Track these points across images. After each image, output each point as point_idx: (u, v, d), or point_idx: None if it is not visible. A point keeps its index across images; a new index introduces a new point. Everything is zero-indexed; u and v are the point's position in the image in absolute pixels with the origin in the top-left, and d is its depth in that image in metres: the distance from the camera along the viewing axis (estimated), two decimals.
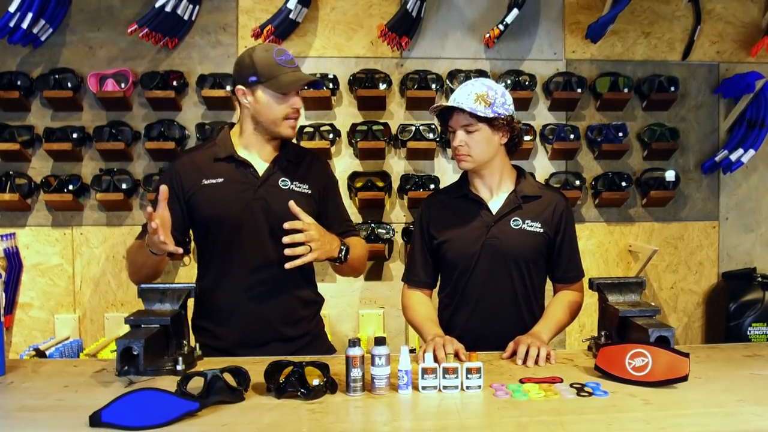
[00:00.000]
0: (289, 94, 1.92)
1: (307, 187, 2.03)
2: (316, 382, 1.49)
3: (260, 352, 1.88)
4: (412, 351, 2.05)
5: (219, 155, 1.98)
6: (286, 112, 1.93)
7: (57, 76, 3.09)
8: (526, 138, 3.21)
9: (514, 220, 2.01)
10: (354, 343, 1.52)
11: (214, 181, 1.95)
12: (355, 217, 3.25)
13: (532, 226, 2.01)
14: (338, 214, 2.13)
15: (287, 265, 1.81)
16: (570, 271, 2.09)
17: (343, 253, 1.94)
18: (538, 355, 1.75)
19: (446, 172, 3.29)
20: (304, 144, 3.11)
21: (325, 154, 3.17)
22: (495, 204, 2.04)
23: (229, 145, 2.00)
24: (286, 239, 1.80)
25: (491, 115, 1.93)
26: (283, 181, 1.99)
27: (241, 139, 2.01)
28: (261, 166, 1.99)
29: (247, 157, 1.99)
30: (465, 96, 1.95)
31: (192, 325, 1.98)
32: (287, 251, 1.80)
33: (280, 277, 1.95)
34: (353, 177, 3.20)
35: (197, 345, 1.82)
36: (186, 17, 3.07)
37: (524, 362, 1.75)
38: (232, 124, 2.08)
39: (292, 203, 1.84)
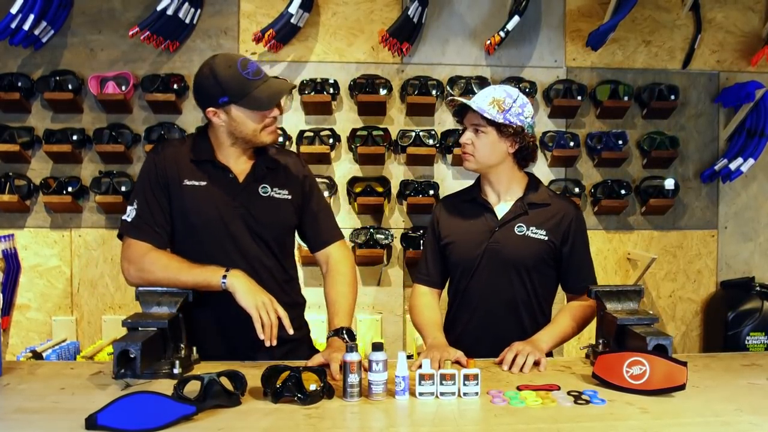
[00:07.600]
0: None
1: (287, 192, 1.98)
2: (313, 387, 1.49)
3: (248, 359, 1.86)
4: (409, 357, 2.05)
5: (197, 158, 1.93)
6: (265, 123, 1.88)
7: (58, 78, 3.09)
8: None
9: (518, 226, 2.01)
10: (351, 348, 1.52)
11: (196, 183, 1.90)
12: (354, 222, 3.25)
13: (536, 233, 2.01)
14: (322, 218, 2.06)
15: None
16: (580, 282, 2.07)
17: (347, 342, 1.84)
18: (524, 363, 1.75)
19: (446, 178, 3.29)
20: (304, 149, 3.11)
21: (325, 158, 3.17)
22: (502, 209, 2.05)
23: (209, 149, 1.93)
24: None
25: (500, 120, 1.94)
26: (263, 188, 1.95)
27: (218, 146, 1.94)
28: (240, 172, 1.94)
29: (225, 162, 1.93)
30: (483, 97, 1.97)
31: None
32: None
33: (264, 283, 1.90)
34: (353, 182, 3.20)
35: (194, 348, 1.81)
36: (187, 21, 3.08)
37: (509, 368, 1.75)
38: (206, 126, 1.99)
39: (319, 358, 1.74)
